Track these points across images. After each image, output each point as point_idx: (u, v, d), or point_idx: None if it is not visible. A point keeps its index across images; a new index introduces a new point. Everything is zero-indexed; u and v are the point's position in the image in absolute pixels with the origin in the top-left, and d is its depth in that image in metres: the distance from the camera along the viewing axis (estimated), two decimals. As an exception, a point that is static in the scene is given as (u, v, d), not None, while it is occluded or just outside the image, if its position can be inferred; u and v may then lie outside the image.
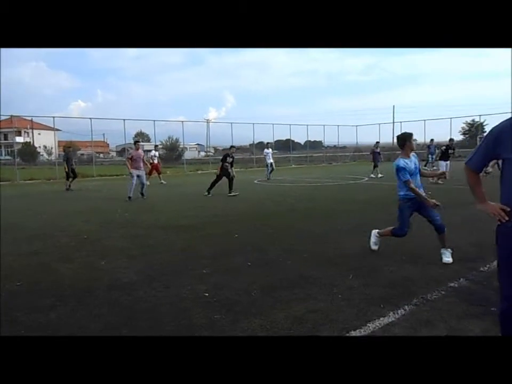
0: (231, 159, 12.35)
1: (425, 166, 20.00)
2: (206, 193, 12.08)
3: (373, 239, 5.17)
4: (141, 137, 61.28)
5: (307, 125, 35.96)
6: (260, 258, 4.98)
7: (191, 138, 47.92)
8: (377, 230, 5.19)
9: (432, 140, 21.46)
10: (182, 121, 29.07)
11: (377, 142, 19.52)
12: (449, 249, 4.67)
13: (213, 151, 45.28)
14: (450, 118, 34.70)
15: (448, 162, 14.40)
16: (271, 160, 18.29)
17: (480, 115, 36.91)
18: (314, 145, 44.44)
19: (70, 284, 4.18)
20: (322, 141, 41.68)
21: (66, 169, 14.98)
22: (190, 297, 3.71)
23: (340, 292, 3.75)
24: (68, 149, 16.67)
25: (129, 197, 11.20)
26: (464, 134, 43.90)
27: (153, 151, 18.02)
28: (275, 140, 38.96)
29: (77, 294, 3.86)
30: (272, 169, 18.33)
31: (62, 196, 13.56)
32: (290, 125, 34.86)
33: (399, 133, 5.09)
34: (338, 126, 37.79)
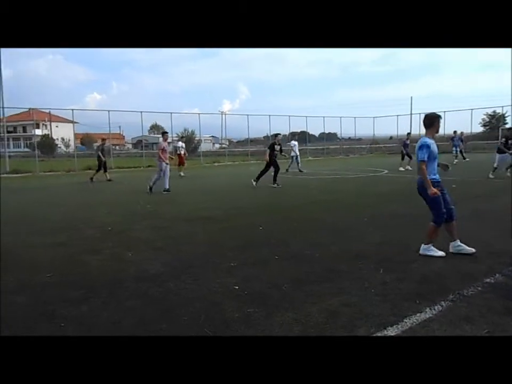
0: (278, 147, 12.20)
1: (455, 159, 19.36)
2: (254, 183, 11.95)
3: (431, 252, 4.55)
4: (156, 129, 61.69)
5: (323, 117, 35.61)
6: (286, 251, 4.93)
7: (206, 131, 48.09)
8: (423, 246, 4.60)
9: (455, 131, 20.95)
10: (199, 114, 29.03)
11: (409, 134, 18.83)
12: (458, 240, 4.60)
13: (227, 143, 45.25)
14: (471, 109, 33.83)
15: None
16: (297, 153, 17.89)
17: (503, 106, 35.86)
18: (329, 137, 44.05)
19: (99, 275, 4.20)
20: (338, 133, 41.27)
21: (102, 160, 15.05)
22: (220, 290, 3.68)
23: (372, 286, 3.67)
24: (104, 141, 16.61)
25: (167, 189, 11.00)
26: (484, 125, 42.91)
27: (180, 142, 17.61)
28: (290, 131, 38.82)
29: (107, 286, 3.87)
30: (298, 162, 17.86)
31: (83, 188, 13.74)
32: (306, 117, 34.54)
33: (428, 112, 4.77)
34: (355, 117, 37.35)
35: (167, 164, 11.13)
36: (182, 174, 16.46)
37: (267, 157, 12.02)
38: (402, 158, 17.14)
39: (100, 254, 5.03)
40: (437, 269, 4.12)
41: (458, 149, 20.05)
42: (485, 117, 42.50)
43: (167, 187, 11.04)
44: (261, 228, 6.28)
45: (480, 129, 41.50)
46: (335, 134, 44.47)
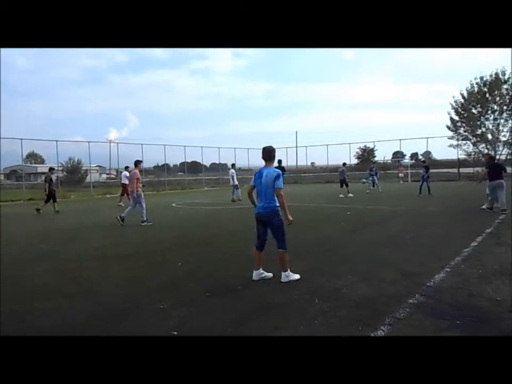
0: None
1: (372, 187, 21.37)
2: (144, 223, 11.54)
3: (293, 277, 4.83)
4: (33, 158, 55.71)
5: (219, 148, 36.27)
6: (216, 286, 4.75)
7: (91, 160, 44.86)
8: (284, 274, 4.83)
9: (373, 161, 23.29)
10: (88, 142, 27.09)
11: (344, 163, 20.71)
12: (261, 269, 4.99)
13: (115, 173, 42.90)
14: (350, 144, 37.92)
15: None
16: (236, 182, 17.34)
17: (373, 141, 41.05)
18: (222, 167, 44.88)
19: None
20: (227, 164, 42.30)
21: (47, 192, 14.47)
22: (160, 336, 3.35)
23: (314, 317, 3.72)
24: (52, 171, 15.58)
25: (146, 220, 10.47)
26: (358, 158, 48.27)
27: (125, 171, 16.89)
28: (180, 162, 38.46)
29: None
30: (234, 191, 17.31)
31: None
32: (202, 147, 34.81)
33: (266, 146, 5.01)
34: (248, 149, 38.80)
35: (140, 194, 10.64)
36: (122, 204, 16.21)
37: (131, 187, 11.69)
38: (341, 186, 18.45)
39: (-5, 307, 4.20)
40: (364, 294, 4.35)
41: (373, 179, 22.09)
42: (358, 150, 47.94)
43: (145, 218, 10.44)
44: (179, 264, 5.98)
45: (355, 161, 46.53)
46: (225, 165, 45.48)
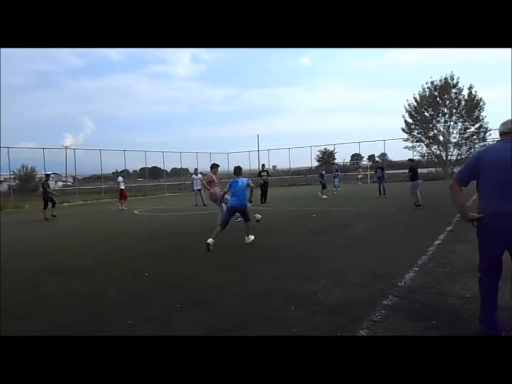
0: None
1: (334, 188, 22.25)
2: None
3: (248, 240, 7.85)
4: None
5: (180, 152, 35.74)
6: (187, 298, 4.55)
7: (46, 167, 42.77)
8: (247, 236, 7.89)
9: (334, 163, 24.07)
10: (43, 148, 25.81)
11: (323, 165, 21.99)
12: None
13: (71, 181, 41.20)
14: (311, 146, 38.56)
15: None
16: (199, 187, 17.42)
17: (334, 144, 41.99)
18: (184, 172, 44.30)
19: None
20: (190, 169, 41.87)
21: (48, 196, 14.93)
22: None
23: (291, 325, 3.62)
24: (47, 177, 16.40)
25: None
26: (318, 160, 49.29)
27: (120, 177, 18.72)
28: (140, 167, 37.64)
29: None
30: (201, 196, 17.47)
31: None
32: (163, 152, 34.15)
33: (236, 165, 8.28)
34: (210, 153, 38.51)
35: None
36: (124, 208, 17.57)
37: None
38: (323, 187, 19.41)
39: None
40: (339, 298, 4.31)
41: (337, 181, 22.61)
42: (318, 153, 48.95)
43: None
44: (146, 275, 5.72)
45: (315, 163, 47.47)
46: (186, 170, 45.00)
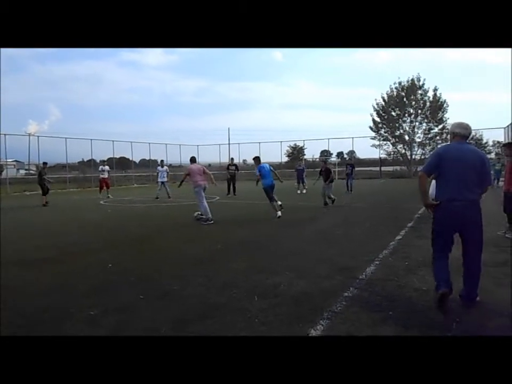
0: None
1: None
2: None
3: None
4: None
5: (149, 143, 35.06)
6: (151, 288, 4.52)
7: (7, 154, 40.88)
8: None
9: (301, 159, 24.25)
10: (5, 135, 24.60)
11: (300, 160, 22.42)
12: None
13: (34, 169, 39.61)
14: (281, 142, 38.75)
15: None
16: (165, 179, 17.14)
17: (304, 140, 42.35)
18: (152, 164, 43.54)
19: None
20: (158, 160, 41.15)
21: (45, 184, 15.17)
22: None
23: (254, 315, 3.68)
24: (45, 165, 16.49)
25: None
26: (288, 156, 49.62)
27: (102, 166, 18.10)
28: (107, 157, 36.69)
29: None
30: (166, 188, 17.14)
31: None
32: (131, 142, 33.39)
33: (256, 155, 10.22)
34: (180, 145, 38.00)
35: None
36: (110, 196, 17.72)
37: None
38: (298, 182, 19.02)
39: None
40: (302, 289, 4.41)
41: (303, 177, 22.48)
42: (288, 148, 49.24)
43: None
44: (110, 266, 5.63)
45: (285, 159, 47.76)
46: (155, 161, 44.16)
